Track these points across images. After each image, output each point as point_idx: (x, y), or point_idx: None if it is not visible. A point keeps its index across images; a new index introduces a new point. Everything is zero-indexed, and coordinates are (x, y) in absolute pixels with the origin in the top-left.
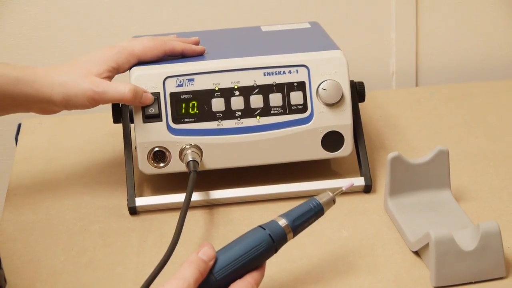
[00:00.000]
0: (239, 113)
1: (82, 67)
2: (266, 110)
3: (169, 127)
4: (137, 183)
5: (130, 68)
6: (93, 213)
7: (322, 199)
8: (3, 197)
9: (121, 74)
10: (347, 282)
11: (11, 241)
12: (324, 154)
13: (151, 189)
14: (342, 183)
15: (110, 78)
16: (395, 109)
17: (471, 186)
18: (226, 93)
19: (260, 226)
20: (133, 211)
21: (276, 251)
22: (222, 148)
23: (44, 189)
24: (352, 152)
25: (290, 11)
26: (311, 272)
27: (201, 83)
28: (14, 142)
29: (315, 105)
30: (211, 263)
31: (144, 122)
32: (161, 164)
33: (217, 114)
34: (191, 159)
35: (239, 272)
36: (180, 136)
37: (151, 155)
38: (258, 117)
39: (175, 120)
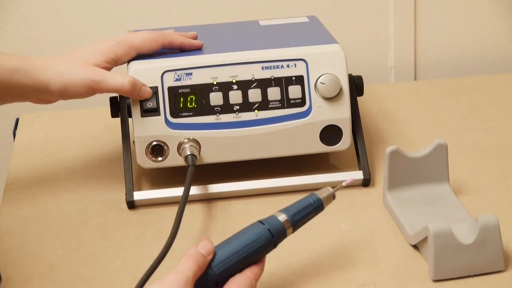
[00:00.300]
0: (237, 107)
1: (80, 57)
2: (264, 104)
3: (167, 121)
4: (135, 177)
5: (129, 61)
6: (91, 207)
7: (322, 194)
8: (1, 192)
9: (121, 69)
10: (345, 276)
11: (9, 235)
12: (322, 148)
13: (150, 183)
14: (340, 176)
15: (108, 69)
16: (393, 103)
17: (469, 179)
18: (224, 87)
19: (259, 221)
20: (132, 205)
21: (275, 246)
22: (220, 142)
23: (42, 183)
24: (351, 146)
25: (288, 5)
26: (309, 266)
27: (199, 77)
28: (12, 136)
29: (313, 99)
30: (210, 257)
31: (142, 116)
32: (159, 158)
33: (215, 108)
34: (189, 153)
35: (238, 266)
36: (178, 130)
37: (149, 149)
38: (256, 111)
39: (173, 114)
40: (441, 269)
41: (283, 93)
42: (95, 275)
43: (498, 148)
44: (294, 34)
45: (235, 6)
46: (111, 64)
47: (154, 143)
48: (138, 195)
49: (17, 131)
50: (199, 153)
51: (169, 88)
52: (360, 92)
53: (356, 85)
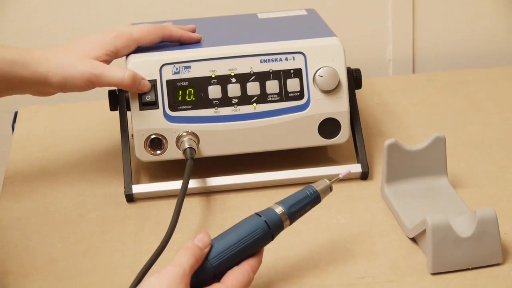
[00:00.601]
0: (236, 100)
1: (80, 49)
2: (262, 97)
3: (165, 115)
4: (134, 171)
5: (128, 53)
6: (90, 201)
7: (318, 186)
8: (0, 185)
9: (120, 62)
10: (344, 269)
11: (8, 229)
12: (321, 141)
13: (148, 176)
14: (339, 170)
15: (108, 62)
16: (392, 96)
17: (468, 172)
18: (223, 80)
19: (256, 214)
20: (130, 198)
21: (272, 238)
22: (218, 135)
23: (41, 177)
24: (349, 139)
25: None
26: (307, 259)
27: (198, 70)
28: (11, 130)
29: (311, 92)
30: (207, 250)
31: (140, 109)
32: (158, 152)
33: (214, 101)
34: (188, 147)
35: (236, 259)
36: (177, 124)
37: (148, 143)
38: (254, 104)
39: (172, 108)
40: (439, 262)
41: (281, 86)
42: (94, 269)
43: (496, 141)
44: (293, 27)
45: None
46: (110, 56)
47: (153, 136)
48: (136, 188)
49: (16, 125)
50: (198, 146)
51: (168, 81)
52: (359, 85)
53: (355, 78)
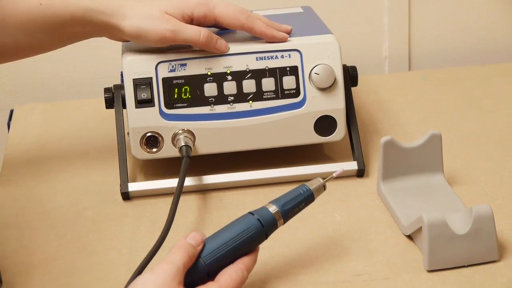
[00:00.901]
0: (232, 98)
1: (158, 5)
2: (258, 95)
3: (161, 112)
4: (130, 169)
5: (204, 26)
6: (86, 199)
7: (312, 185)
8: None
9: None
10: (340, 266)
11: (3, 227)
12: (317, 139)
13: (144, 174)
14: (335, 167)
15: None
16: (388, 94)
17: (464, 170)
18: (219, 78)
19: (249, 212)
20: (126, 196)
21: (266, 236)
22: (214, 133)
23: (37, 175)
24: (345, 136)
25: None
26: (304, 256)
27: (194, 68)
28: (7, 128)
29: (307, 90)
30: (199, 248)
31: (136, 107)
32: (154, 149)
33: (210, 99)
34: (183, 144)
35: (229, 257)
36: (173, 121)
37: (143, 140)
38: (250, 101)
39: (168, 105)
40: (436, 259)
41: (277, 83)
42: (89, 267)
43: (492, 138)
44: (289, 25)
45: None
46: (185, 20)
47: (149, 134)
48: (132, 186)
49: (11, 123)
50: (194, 144)
51: (164, 79)
52: (355, 83)
53: (351, 76)
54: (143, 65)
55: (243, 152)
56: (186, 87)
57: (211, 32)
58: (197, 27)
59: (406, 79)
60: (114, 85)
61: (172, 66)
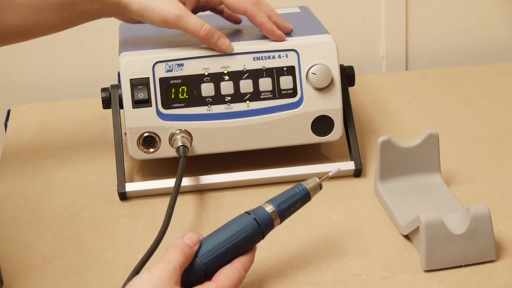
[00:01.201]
0: (229, 98)
1: None
2: (255, 95)
3: (158, 112)
4: (127, 169)
5: (210, 8)
6: (83, 199)
7: (308, 184)
8: None
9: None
10: (337, 266)
11: (0, 227)
12: (314, 139)
13: (141, 174)
14: (332, 167)
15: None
16: (385, 93)
17: (461, 169)
18: (216, 78)
19: (245, 212)
20: (123, 196)
21: (263, 236)
22: (212, 133)
23: (34, 175)
24: (342, 136)
25: None
26: (301, 256)
27: (191, 68)
28: (4, 128)
29: (305, 90)
30: (196, 247)
31: (133, 107)
32: (151, 150)
33: (207, 99)
34: (181, 144)
35: (226, 257)
36: (170, 121)
37: (141, 141)
38: (248, 101)
39: (165, 105)
40: (433, 259)
41: (274, 83)
42: (87, 267)
43: (489, 138)
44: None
45: None
46: (190, 6)
47: (146, 134)
48: (130, 187)
49: (8, 123)
50: (191, 144)
51: (161, 79)
52: (352, 83)
53: (348, 76)
54: (140, 65)
55: (240, 152)
56: (183, 87)
57: (214, 28)
58: (202, 20)
59: (403, 78)
60: (111, 85)
61: (169, 66)
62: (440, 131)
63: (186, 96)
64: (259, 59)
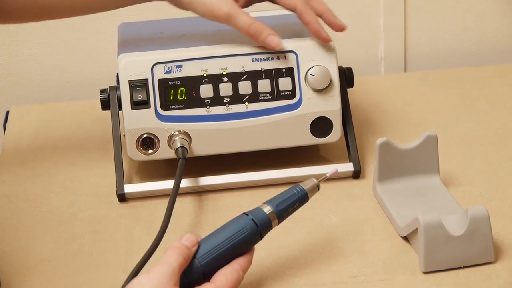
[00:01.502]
0: (228, 99)
1: None
2: (254, 96)
3: (157, 114)
4: (125, 170)
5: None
6: (82, 200)
7: (306, 185)
8: None
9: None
10: (335, 268)
11: None
12: (313, 140)
13: (140, 176)
14: (331, 168)
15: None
16: (383, 95)
17: (459, 171)
18: (215, 80)
19: (244, 213)
20: (122, 198)
21: (261, 237)
22: (210, 134)
23: (32, 177)
24: (341, 137)
25: None
26: (299, 258)
27: (190, 70)
28: (2, 129)
29: (303, 91)
30: (194, 248)
31: (132, 109)
32: (150, 151)
33: (206, 101)
34: (179, 146)
35: (224, 258)
36: (169, 123)
37: (139, 142)
38: (246, 103)
39: (164, 107)
40: (432, 260)
41: (273, 85)
42: (85, 268)
43: (488, 140)
44: (284, 26)
45: None
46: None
47: (145, 135)
48: (128, 188)
49: (7, 124)
50: (190, 146)
51: (159, 81)
52: (350, 84)
53: (346, 77)
54: (138, 67)
55: (239, 154)
56: (182, 88)
57: (263, 25)
58: (251, 18)
59: (402, 80)
60: (110, 87)
61: (168, 68)
62: (439, 133)
63: (185, 98)
64: (258, 61)
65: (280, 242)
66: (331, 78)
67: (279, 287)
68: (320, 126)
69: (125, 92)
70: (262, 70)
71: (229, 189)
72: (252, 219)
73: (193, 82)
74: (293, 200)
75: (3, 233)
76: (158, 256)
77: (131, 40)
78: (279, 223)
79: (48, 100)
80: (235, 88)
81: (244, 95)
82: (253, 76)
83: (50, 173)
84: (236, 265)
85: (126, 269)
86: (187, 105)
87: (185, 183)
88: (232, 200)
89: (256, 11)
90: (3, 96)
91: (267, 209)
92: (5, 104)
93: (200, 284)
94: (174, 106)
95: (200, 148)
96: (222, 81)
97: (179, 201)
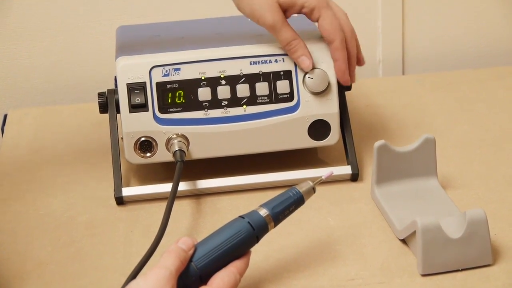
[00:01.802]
0: (226, 102)
1: None
2: (252, 99)
3: (155, 117)
4: (123, 173)
5: (298, 12)
6: (80, 204)
7: (302, 188)
8: None
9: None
10: (334, 271)
11: None
12: (311, 143)
13: (138, 179)
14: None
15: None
16: (381, 98)
17: (457, 174)
18: (213, 82)
19: (240, 216)
20: (120, 201)
21: (258, 240)
22: (208, 137)
23: (30, 180)
24: (339, 140)
25: None
26: (297, 260)
27: (187, 73)
28: (0, 132)
29: (301, 94)
30: (191, 252)
31: (130, 112)
32: (148, 154)
33: (204, 104)
34: (177, 149)
35: (221, 261)
36: (167, 126)
37: (137, 145)
38: (244, 106)
39: (162, 110)
40: (430, 263)
41: (271, 88)
42: (83, 272)
43: (486, 142)
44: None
45: (223, 1)
46: (283, 6)
47: (143, 139)
48: (126, 191)
49: (5, 127)
50: (188, 149)
51: (157, 84)
52: (348, 87)
53: None
54: (136, 70)
55: (237, 157)
56: (180, 91)
57: (301, 44)
58: (293, 34)
59: (400, 83)
60: (108, 90)
61: (166, 71)
62: (437, 135)
63: (183, 101)
64: (256, 64)
65: (277, 245)
66: (329, 81)
67: None
68: (318, 129)
69: (123, 95)
70: (260, 73)
71: (227, 192)
72: (248, 222)
73: (191, 85)
74: (289, 203)
75: (1, 237)
76: (156, 259)
77: (129, 43)
78: (275, 226)
79: (46, 103)
80: (233, 91)
81: (242, 98)
82: (251, 79)
83: (48, 176)
84: (233, 268)
85: (124, 272)
86: (185, 108)
87: (183, 186)
88: (230, 203)
89: None
90: (1, 99)
91: (263, 212)
92: (3, 107)
93: (197, 287)
94: (172, 109)
95: (198, 151)
96: (220, 84)
97: (177, 204)
